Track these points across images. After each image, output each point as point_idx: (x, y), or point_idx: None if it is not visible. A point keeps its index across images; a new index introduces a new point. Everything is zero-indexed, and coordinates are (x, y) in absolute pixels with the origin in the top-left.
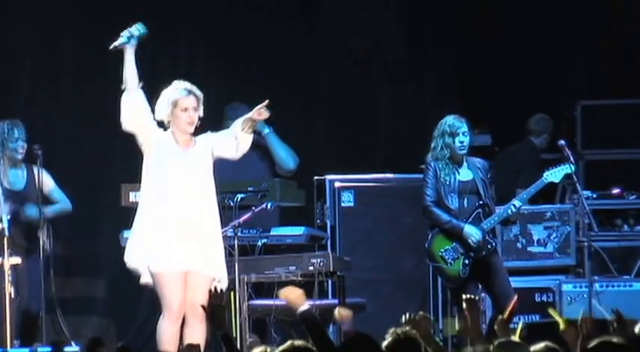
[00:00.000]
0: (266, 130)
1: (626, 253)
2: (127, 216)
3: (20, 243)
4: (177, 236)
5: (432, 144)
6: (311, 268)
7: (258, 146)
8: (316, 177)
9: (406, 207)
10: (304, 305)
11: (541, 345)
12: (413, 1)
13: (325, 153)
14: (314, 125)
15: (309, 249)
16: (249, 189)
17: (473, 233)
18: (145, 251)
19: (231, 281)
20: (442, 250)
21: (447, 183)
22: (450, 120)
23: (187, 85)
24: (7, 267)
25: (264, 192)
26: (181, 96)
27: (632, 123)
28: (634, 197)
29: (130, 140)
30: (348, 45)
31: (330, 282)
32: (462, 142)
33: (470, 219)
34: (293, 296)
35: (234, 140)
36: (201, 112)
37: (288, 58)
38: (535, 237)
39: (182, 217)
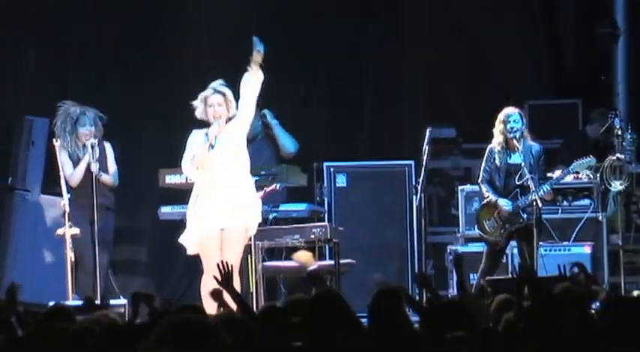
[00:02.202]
0: (274, 122)
1: (565, 223)
2: (163, 195)
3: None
4: (210, 205)
5: (493, 132)
6: (312, 236)
7: (267, 136)
8: (315, 163)
9: (387, 188)
10: (313, 265)
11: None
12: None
13: (323, 144)
14: (314, 120)
15: (310, 221)
16: (262, 173)
17: (503, 205)
18: (189, 228)
19: (248, 247)
20: (485, 219)
21: (498, 165)
22: (504, 110)
23: (217, 84)
24: (68, 236)
25: (274, 175)
26: (209, 94)
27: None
28: (571, 178)
29: (167, 130)
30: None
31: (327, 247)
32: (512, 128)
33: (509, 196)
34: (305, 258)
35: (249, 83)
36: (232, 109)
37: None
38: None
39: (214, 189)
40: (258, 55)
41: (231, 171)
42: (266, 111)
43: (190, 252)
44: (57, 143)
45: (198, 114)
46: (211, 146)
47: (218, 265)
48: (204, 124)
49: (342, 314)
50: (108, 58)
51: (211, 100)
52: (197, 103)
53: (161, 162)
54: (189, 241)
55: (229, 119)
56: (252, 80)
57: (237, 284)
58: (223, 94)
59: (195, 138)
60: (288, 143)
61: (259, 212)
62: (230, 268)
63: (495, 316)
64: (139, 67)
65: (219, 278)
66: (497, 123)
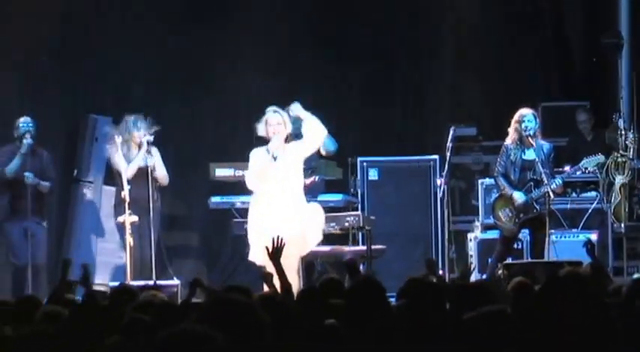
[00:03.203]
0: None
1: (574, 213)
2: (213, 186)
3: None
4: (271, 217)
5: (509, 130)
6: (347, 224)
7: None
8: (350, 159)
9: (414, 180)
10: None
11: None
12: None
13: (357, 141)
14: (349, 120)
15: (345, 210)
16: (303, 167)
17: (517, 197)
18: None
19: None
20: (500, 210)
21: (514, 160)
22: (519, 111)
23: (275, 107)
24: (127, 224)
25: (313, 169)
26: (269, 115)
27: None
28: (579, 173)
29: (217, 128)
30: (375, 51)
31: (360, 234)
32: (526, 127)
33: (524, 189)
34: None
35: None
36: (288, 127)
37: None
38: None
39: (273, 204)
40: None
41: (291, 183)
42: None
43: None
44: (118, 139)
45: (260, 132)
46: (273, 158)
47: (273, 239)
48: (264, 143)
49: (379, 300)
50: (168, 62)
51: (271, 120)
52: (259, 124)
53: (211, 157)
54: (258, 255)
55: (287, 137)
56: (313, 126)
57: (294, 285)
58: (281, 115)
59: (257, 155)
60: (328, 143)
61: (319, 223)
62: (281, 243)
63: (512, 297)
64: (197, 74)
65: (270, 251)
66: (512, 122)
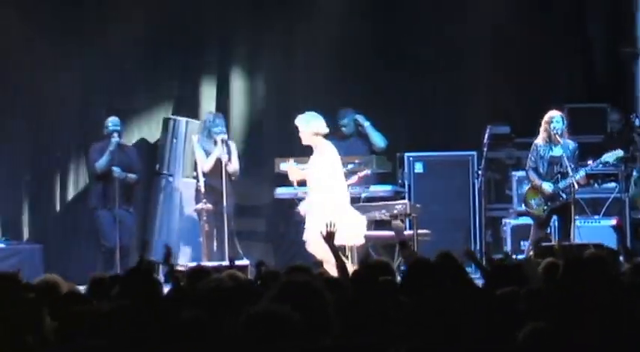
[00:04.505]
0: (366, 123)
1: (596, 202)
2: (278, 178)
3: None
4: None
5: (539, 130)
6: (395, 211)
7: (360, 134)
8: (398, 153)
9: (455, 173)
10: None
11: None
12: None
13: (404, 138)
14: (397, 119)
15: (394, 199)
16: (356, 161)
17: (546, 187)
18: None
19: None
20: (531, 199)
21: (542, 156)
22: (549, 112)
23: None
24: (203, 211)
25: (365, 163)
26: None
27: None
28: (601, 166)
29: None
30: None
31: (407, 220)
32: (554, 127)
33: (551, 180)
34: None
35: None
36: (303, 137)
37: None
38: None
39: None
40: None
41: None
42: (358, 116)
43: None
44: (195, 138)
45: (324, 129)
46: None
47: (327, 224)
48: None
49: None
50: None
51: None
52: (320, 122)
53: (277, 152)
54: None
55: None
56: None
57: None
58: (299, 126)
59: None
60: (378, 140)
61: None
62: (333, 227)
63: (544, 277)
64: (259, 75)
65: (324, 234)
66: (542, 123)
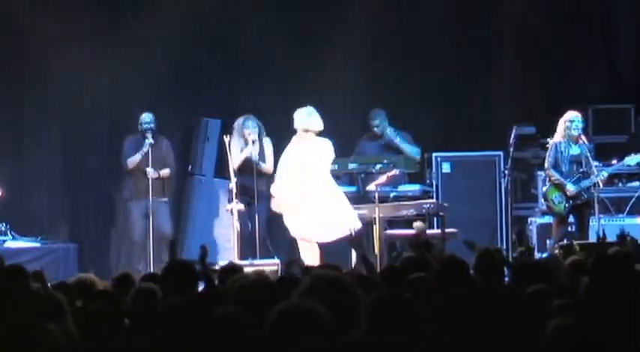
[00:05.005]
0: (397, 139)
1: (620, 200)
2: None
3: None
4: None
5: (557, 129)
6: (424, 210)
7: (391, 147)
8: (426, 154)
9: (481, 172)
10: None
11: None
12: None
13: (432, 138)
14: (425, 120)
15: (422, 199)
16: (384, 161)
17: (570, 188)
18: None
19: (374, 219)
20: (552, 196)
21: (563, 154)
22: (568, 113)
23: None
24: (235, 211)
25: (394, 163)
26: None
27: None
28: (626, 165)
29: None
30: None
31: (435, 219)
32: (576, 127)
33: (573, 179)
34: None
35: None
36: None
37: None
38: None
39: None
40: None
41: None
42: (389, 130)
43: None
44: (227, 139)
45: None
46: None
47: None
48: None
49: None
50: (269, 68)
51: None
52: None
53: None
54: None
55: None
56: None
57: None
58: (295, 118)
59: None
60: (412, 153)
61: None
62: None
63: (571, 274)
64: (294, 78)
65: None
66: (561, 122)
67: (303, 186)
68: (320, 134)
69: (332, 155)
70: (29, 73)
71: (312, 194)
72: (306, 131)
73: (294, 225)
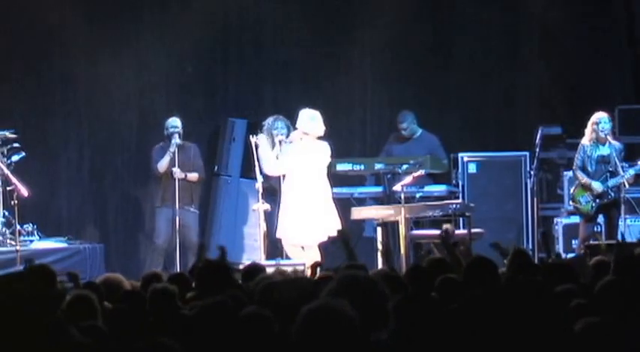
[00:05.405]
0: (421, 171)
1: None
2: (335, 179)
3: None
4: None
5: (585, 131)
6: (450, 211)
7: (420, 138)
8: (452, 154)
9: (507, 173)
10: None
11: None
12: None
13: (458, 139)
14: (452, 121)
15: (448, 199)
16: (411, 161)
17: (596, 186)
18: None
19: (399, 220)
20: (580, 196)
21: (590, 155)
22: (596, 114)
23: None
24: (261, 211)
25: (420, 163)
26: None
27: None
28: None
29: (337, 128)
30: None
31: (461, 219)
32: (603, 128)
33: (600, 179)
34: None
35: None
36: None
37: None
38: None
39: None
40: None
41: None
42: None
43: None
44: (253, 139)
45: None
46: None
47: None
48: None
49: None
50: (293, 71)
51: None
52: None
53: (333, 154)
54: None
55: None
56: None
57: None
58: (298, 120)
59: None
60: (439, 169)
61: None
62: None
63: (594, 273)
64: (317, 81)
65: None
66: (589, 124)
67: (302, 185)
68: (326, 135)
69: (328, 159)
70: (57, 76)
71: (307, 194)
72: (306, 134)
73: (281, 228)
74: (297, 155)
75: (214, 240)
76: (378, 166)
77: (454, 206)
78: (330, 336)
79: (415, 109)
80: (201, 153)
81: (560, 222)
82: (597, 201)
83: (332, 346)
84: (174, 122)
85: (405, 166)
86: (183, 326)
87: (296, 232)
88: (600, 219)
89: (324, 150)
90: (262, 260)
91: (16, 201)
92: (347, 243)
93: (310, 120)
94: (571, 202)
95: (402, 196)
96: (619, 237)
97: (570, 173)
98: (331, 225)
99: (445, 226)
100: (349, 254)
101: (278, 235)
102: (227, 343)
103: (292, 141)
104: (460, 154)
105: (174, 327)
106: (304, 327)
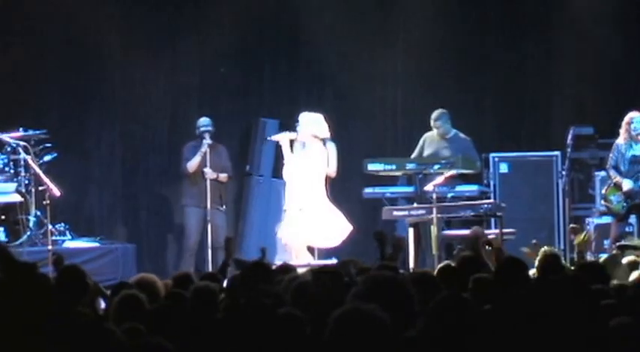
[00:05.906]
0: (453, 171)
1: None
2: (366, 179)
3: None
4: None
5: (620, 131)
6: (481, 211)
7: (454, 138)
8: (484, 154)
9: (539, 173)
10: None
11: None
12: None
13: (490, 139)
14: (484, 121)
15: (479, 199)
16: (442, 161)
17: (626, 183)
18: None
19: (431, 220)
20: (611, 196)
21: (623, 155)
22: (629, 113)
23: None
24: None
25: (452, 163)
26: None
27: None
28: None
29: (368, 130)
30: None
31: (493, 220)
32: (635, 128)
33: (632, 178)
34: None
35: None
36: (302, 133)
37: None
38: None
39: None
40: None
41: None
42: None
43: None
44: (278, 137)
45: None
46: None
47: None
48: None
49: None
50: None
51: None
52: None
53: (364, 152)
54: None
55: None
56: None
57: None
58: (302, 122)
59: None
60: (471, 169)
61: None
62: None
63: (626, 273)
64: (351, 85)
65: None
66: (623, 124)
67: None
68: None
69: (335, 160)
70: (91, 77)
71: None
72: (315, 137)
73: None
74: (297, 160)
75: (246, 240)
76: (409, 166)
77: (486, 206)
78: (363, 338)
79: (449, 110)
80: (232, 153)
81: (592, 222)
82: (628, 200)
83: (364, 348)
84: (206, 121)
85: (436, 166)
86: (220, 325)
87: (302, 233)
88: (632, 219)
89: (324, 152)
90: (293, 260)
91: (48, 201)
92: (383, 244)
93: (317, 123)
94: (603, 202)
95: (434, 196)
96: None
97: (602, 173)
98: (336, 226)
99: (474, 228)
100: (383, 254)
101: (279, 235)
102: (262, 343)
103: (304, 142)
104: (492, 154)
105: (212, 326)
106: (337, 330)
